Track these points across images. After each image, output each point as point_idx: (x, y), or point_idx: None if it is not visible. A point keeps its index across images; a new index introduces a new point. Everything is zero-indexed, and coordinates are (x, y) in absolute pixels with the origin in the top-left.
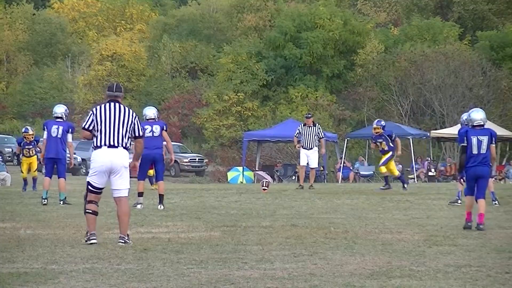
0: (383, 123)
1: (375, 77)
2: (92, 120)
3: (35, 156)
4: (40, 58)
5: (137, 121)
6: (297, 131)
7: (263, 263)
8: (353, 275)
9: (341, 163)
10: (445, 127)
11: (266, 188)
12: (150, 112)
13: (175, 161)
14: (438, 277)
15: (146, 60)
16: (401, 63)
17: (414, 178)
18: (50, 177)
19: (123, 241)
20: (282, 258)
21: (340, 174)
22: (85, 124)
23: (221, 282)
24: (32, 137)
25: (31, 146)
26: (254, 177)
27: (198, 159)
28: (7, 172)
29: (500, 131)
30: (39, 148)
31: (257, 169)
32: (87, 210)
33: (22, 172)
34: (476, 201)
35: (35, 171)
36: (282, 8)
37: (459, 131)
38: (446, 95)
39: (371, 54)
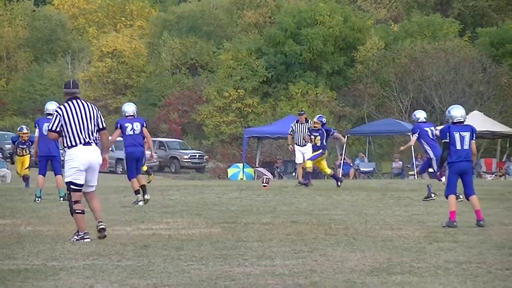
0: (324, 120)
1: (375, 73)
2: (59, 121)
3: (28, 155)
4: (40, 54)
5: (100, 114)
6: (291, 128)
7: (263, 259)
8: (353, 272)
9: (341, 160)
10: (445, 124)
11: (266, 184)
12: (130, 108)
13: (175, 157)
14: (438, 274)
15: (146, 57)
16: (401, 60)
17: (414, 175)
18: (44, 175)
19: (102, 224)
20: (282, 255)
21: (340, 171)
22: (53, 126)
23: (221, 278)
24: (27, 137)
25: (25, 146)
26: (254, 173)
27: (199, 155)
28: (7, 169)
29: (500, 128)
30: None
31: (257, 165)
32: (76, 211)
33: (18, 173)
34: (468, 199)
35: (26, 169)
36: (282, 4)
37: (412, 130)
38: (446, 91)
39: (371, 50)
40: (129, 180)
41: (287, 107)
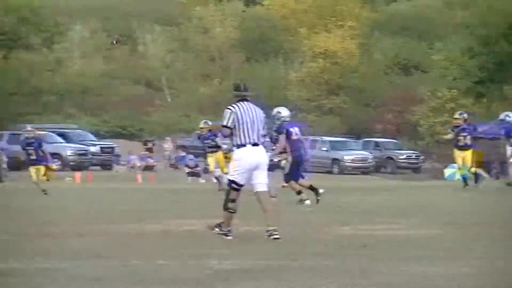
0: (465, 115)
1: None
2: (233, 118)
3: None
4: (252, 55)
5: (265, 119)
6: None
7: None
8: None
9: None
10: None
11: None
12: (287, 113)
13: (391, 157)
14: None
15: (358, 57)
16: None
17: None
18: None
19: (275, 235)
20: None
21: None
22: (227, 122)
23: (444, 278)
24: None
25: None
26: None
27: (415, 155)
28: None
29: None
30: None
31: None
32: (229, 210)
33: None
34: None
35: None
36: (493, 4)
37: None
38: None
39: None
40: (286, 182)
41: (502, 108)
